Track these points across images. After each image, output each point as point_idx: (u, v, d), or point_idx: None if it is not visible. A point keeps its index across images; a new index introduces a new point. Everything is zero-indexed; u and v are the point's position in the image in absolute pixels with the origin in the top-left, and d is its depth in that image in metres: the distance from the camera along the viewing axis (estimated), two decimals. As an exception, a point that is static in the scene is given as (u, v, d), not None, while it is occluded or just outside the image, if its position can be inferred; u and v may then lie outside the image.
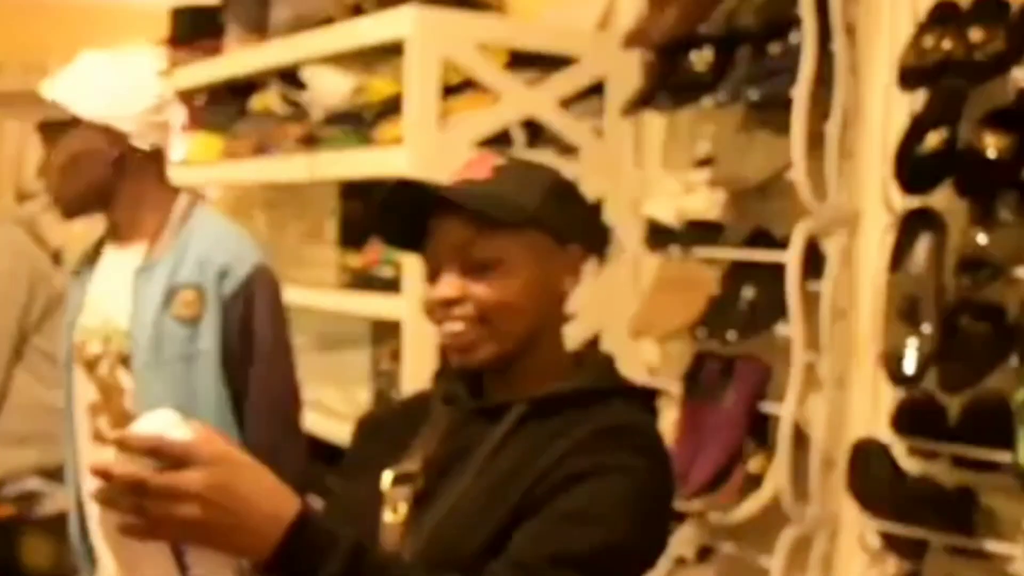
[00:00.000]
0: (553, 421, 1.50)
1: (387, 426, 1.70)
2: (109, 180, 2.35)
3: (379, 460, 1.57)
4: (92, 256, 2.48)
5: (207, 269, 2.29)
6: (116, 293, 2.36)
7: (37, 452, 2.94)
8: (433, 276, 1.53)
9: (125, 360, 2.32)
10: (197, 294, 2.28)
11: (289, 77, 3.50)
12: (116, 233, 2.43)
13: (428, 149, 2.90)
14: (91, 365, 2.38)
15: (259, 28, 3.69)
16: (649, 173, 3.14)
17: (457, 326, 1.50)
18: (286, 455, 2.22)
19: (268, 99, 3.58)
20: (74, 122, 2.30)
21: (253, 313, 2.31)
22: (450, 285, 1.50)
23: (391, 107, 3.04)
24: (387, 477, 1.55)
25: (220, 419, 2.26)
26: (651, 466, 1.47)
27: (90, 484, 2.05)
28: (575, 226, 1.58)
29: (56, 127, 2.33)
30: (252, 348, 2.31)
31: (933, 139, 2.40)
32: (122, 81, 2.35)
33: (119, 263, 2.39)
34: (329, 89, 3.25)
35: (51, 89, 2.32)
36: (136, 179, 2.37)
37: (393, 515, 1.52)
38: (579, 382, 1.55)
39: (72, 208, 2.40)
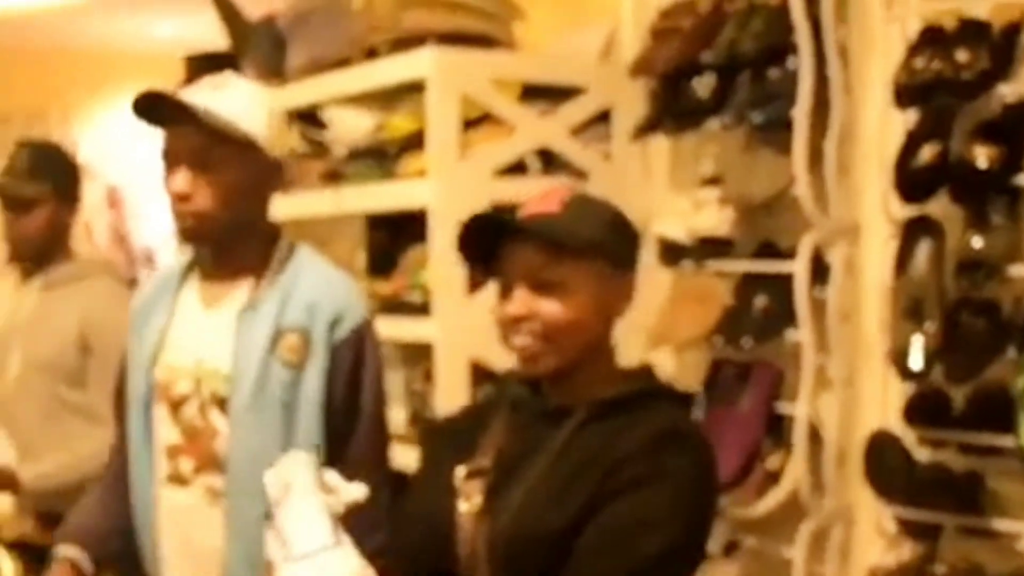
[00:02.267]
0: (611, 421, 1.69)
1: (453, 431, 1.92)
2: (256, 211, 2.22)
3: (450, 459, 1.77)
4: (163, 290, 2.31)
5: (317, 315, 2.16)
6: (211, 332, 2.20)
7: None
8: (505, 294, 1.73)
9: (220, 402, 2.16)
10: (303, 339, 2.15)
11: (307, 117, 3.66)
12: (212, 268, 2.25)
13: (451, 180, 3.08)
14: (177, 406, 2.21)
15: (275, 72, 3.86)
16: (656, 193, 3.33)
17: (525, 340, 1.70)
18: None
19: (289, 139, 3.74)
20: (248, 145, 2.13)
21: (363, 364, 2.20)
22: (520, 303, 1.70)
23: (412, 142, 3.21)
24: (460, 471, 1.74)
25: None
26: (701, 468, 1.67)
27: (165, 524, 2.21)
28: (629, 256, 1.79)
29: (225, 147, 2.12)
30: (358, 400, 2.20)
31: (927, 152, 2.61)
32: (275, 113, 2.24)
33: (214, 300, 2.23)
34: (351, 127, 3.42)
35: (219, 105, 2.11)
36: (266, 212, 2.25)
37: (467, 505, 1.71)
38: (630, 387, 1.75)
39: (210, 234, 2.17)
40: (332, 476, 1.67)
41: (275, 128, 2.21)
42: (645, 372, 1.82)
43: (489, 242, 1.75)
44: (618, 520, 1.59)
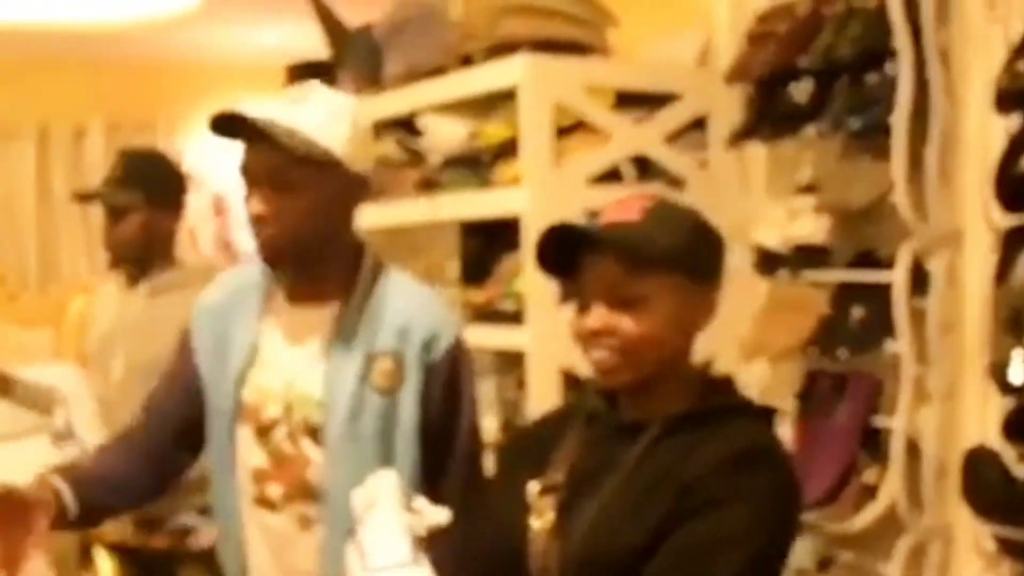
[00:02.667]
0: (687, 436, 1.65)
1: (529, 442, 1.88)
2: (339, 230, 2.12)
3: (524, 473, 1.74)
4: (245, 301, 2.22)
5: (410, 336, 2.08)
6: (301, 357, 2.12)
7: (199, 492, 3.07)
8: (583, 307, 1.69)
9: (311, 430, 2.08)
10: (396, 363, 2.08)
11: (403, 125, 3.68)
12: (298, 288, 2.16)
13: (545, 188, 3.06)
14: (265, 430, 2.14)
15: (373, 79, 3.88)
16: (754, 201, 3.28)
17: (602, 354, 1.67)
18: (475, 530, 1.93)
19: (385, 147, 3.76)
20: (328, 163, 2.03)
21: (458, 384, 2.13)
22: (598, 318, 1.66)
23: (506, 150, 3.21)
24: (533, 487, 1.71)
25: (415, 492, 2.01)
26: (780, 487, 1.62)
27: (254, 544, 2.16)
28: (714, 268, 1.73)
29: (303, 166, 2.02)
30: (455, 421, 2.13)
31: (1030, 159, 2.52)
32: (361, 125, 2.13)
33: (302, 323, 2.15)
34: (446, 135, 3.42)
35: (297, 120, 2.02)
36: (351, 231, 2.16)
37: (540, 521, 1.68)
38: (707, 402, 1.71)
39: (293, 255, 2.10)
40: (418, 499, 1.67)
41: (360, 140, 2.10)
42: (724, 386, 1.77)
43: (569, 252, 1.71)
44: (692, 541, 1.55)
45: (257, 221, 2.05)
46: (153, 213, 3.22)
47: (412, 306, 2.12)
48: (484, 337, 3.28)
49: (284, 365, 2.13)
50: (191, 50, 6.98)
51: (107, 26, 6.36)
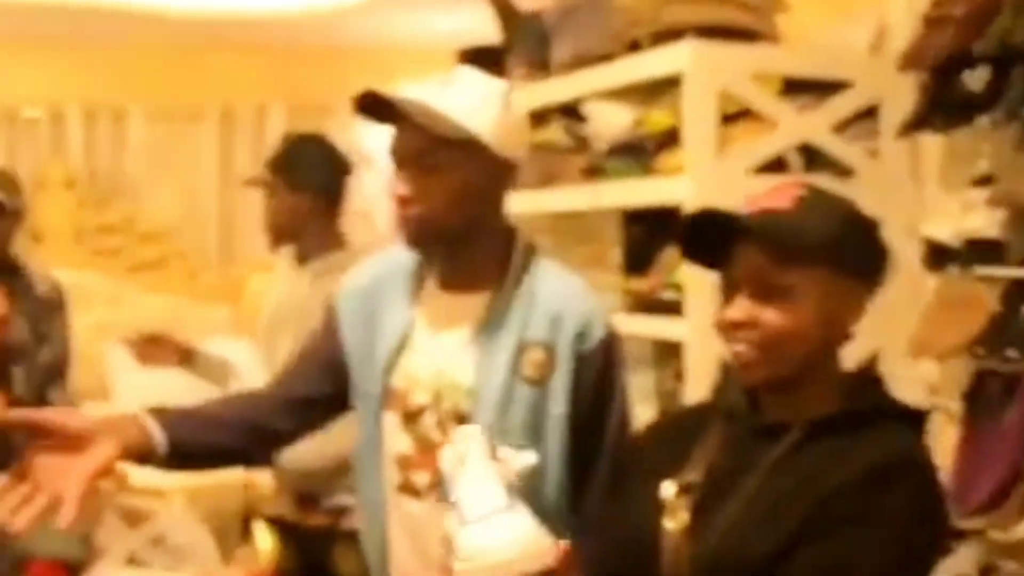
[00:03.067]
0: (828, 441, 1.59)
1: (669, 435, 1.83)
2: (486, 216, 2.11)
3: (661, 468, 1.70)
4: (396, 285, 2.22)
5: (561, 326, 2.06)
6: (451, 344, 2.11)
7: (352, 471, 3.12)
8: (727, 297, 1.64)
9: (460, 418, 2.04)
10: (547, 353, 2.06)
11: (570, 111, 3.67)
12: (449, 273, 2.16)
13: (708, 177, 3.02)
14: (412, 416, 2.13)
15: (541, 65, 3.88)
16: (926, 193, 3.17)
17: (741, 347, 1.62)
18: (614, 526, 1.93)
19: (551, 132, 3.76)
20: (472, 145, 2.03)
21: (610, 375, 2.09)
22: (740, 309, 1.61)
23: (670, 137, 3.17)
24: (669, 487, 1.67)
25: (561, 486, 2.07)
26: (921, 506, 1.55)
27: (397, 531, 2.15)
28: (866, 263, 1.66)
29: (442, 144, 2.02)
30: (606, 413, 2.09)
31: None
32: (512, 109, 2.11)
33: (453, 310, 2.14)
34: (610, 122, 3.40)
35: (443, 104, 2.02)
36: (501, 217, 2.15)
37: (674, 523, 1.65)
38: (852, 405, 1.64)
39: (436, 238, 2.10)
40: (505, 448, 1.67)
41: (511, 125, 2.08)
42: (873, 388, 1.69)
43: (718, 240, 1.66)
44: (824, 562, 1.50)
45: (401, 203, 2.06)
46: (289, 197, 3.29)
47: (565, 295, 2.09)
48: (643, 327, 3.26)
49: (434, 352, 2.12)
50: (369, 35, 7.07)
51: (291, 13, 6.49)
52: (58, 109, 7.29)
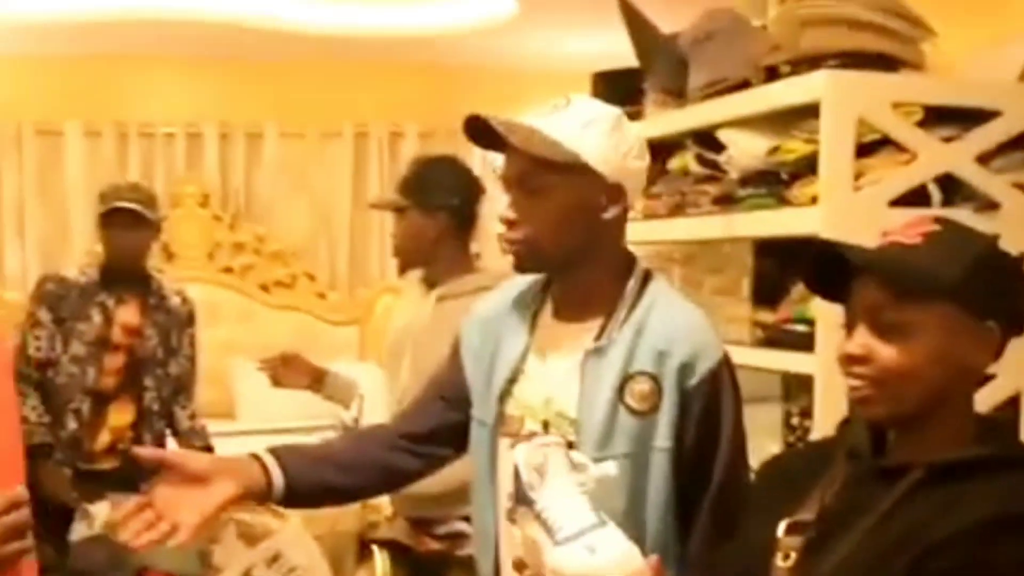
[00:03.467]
0: (949, 488, 1.52)
1: (789, 470, 1.78)
2: (593, 241, 2.10)
3: (778, 504, 1.65)
4: (518, 312, 2.24)
5: (667, 360, 2.04)
6: (561, 371, 2.12)
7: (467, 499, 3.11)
8: (848, 330, 1.60)
9: (569, 447, 1.94)
10: (653, 385, 2.04)
11: (705, 138, 3.61)
12: (564, 303, 2.18)
13: (843, 208, 2.93)
14: (517, 437, 2.13)
15: (677, 92, 3.82)
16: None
17: (857, 382, 1.57)
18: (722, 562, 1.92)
19: (685, 160, 3.70)
20: (576, 169, 2.05)
21: (718, 411, 2.07)
22: (858, 344, 1.56)
23: (806, 167, 3.08)
24: (783, 524, 1.62)
25: (664, 519, 2.07)
26: None
27: (505, 557, 2.14)
28: (999, 303, 1.58)
29: (546, 167, 2.05)
30: (714, 450, 2.07)
31: None
32: (625, 135, 2.12)
33: (565, 338, 2.15)
34: (745, 150, 3.33)
35: (550, 127, 2.06)
36: (613, 242, 2.15)
37: (784, 561, 1.60)
38: (979, 450, 1.56)
39: (540, 266, 2.16)
40: (578, 454, 1.70)
41: (619, 149, 2.09)
42: (1005, 433, 1.62)
43: (840, 272, 1.62)
44: None
45: (507, 225, 2.10)
46: (421, 219, 3.28)
47: (674, 327, 2.08)
48: (772, 360, 3.17)
49: (545, 380, 2.13)
50: (504, 56, 7.09)
51: (426, 33, 6.53)
52: (195, 127, 7.43)
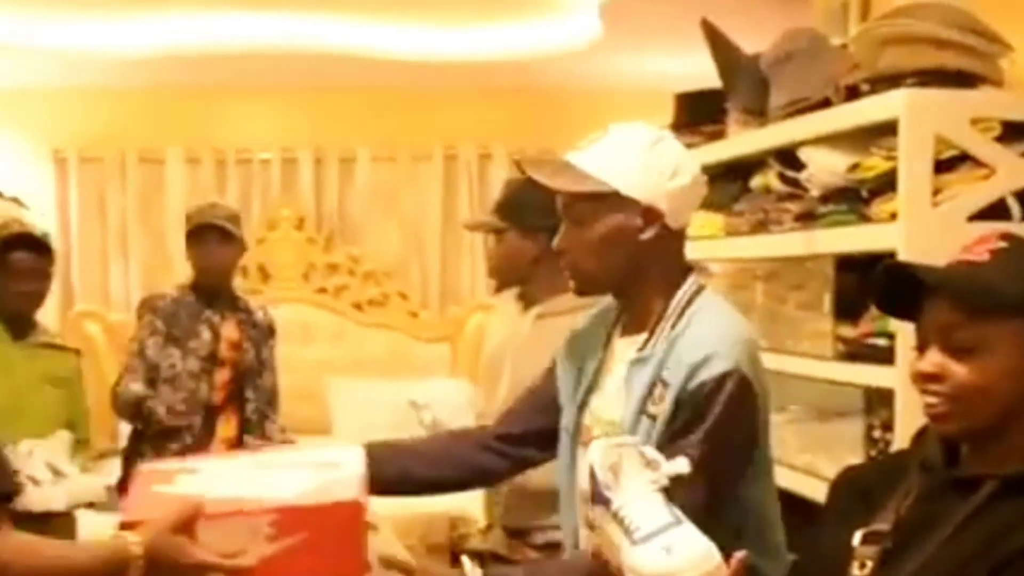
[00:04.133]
0: (1022, 500, 1.55)
1: (865, 482, 1.82)
2: (636, 262, 2.24)
3: (853, 514, 1.70)
4: (599, 329, 2.41)
5: (680, 366, 2.14)
6: (614, 384, 2.28)
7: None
8: (921, 348, 1.64)
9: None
10: (663, 390, 2.16)
11: (786, 156, 3.66)
12: (627, 319, 2.34)
13: (922, 224, 2.96)
14: (586, 442, 2.26)
15: (759, 111, 3.87)
16: None
17: (931, 399, 1.61)
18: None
19: (767, 178, 3.75)
20: (610, 197, 2.20)
21: (700, 418, 2.11)
22: (931, 362, 1.60)
23: (886, 183, 3.13)
24: (859, 534, 1.66)
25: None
26: None
27: None
28: None
29: (584, 199, 2.24)
30: (686, 441, 2.09)
31: None
32: (661, 156, 2.25)
33: (622, 352, 2.30)
34: (826, 167, 3.37)
35: (584, 160, 2.23)
36: (659, 261, 2.27)
37: (860, 571, 1.64)
38: None
39: (590, 288, 2.34)
40: (650, 450, 1.72)
41: (657, 172, 2.22)
42: None
43: (910, 291, 1.66)
44: None
45: (559, 254, 2.31)
46: (520, 240, 3.34)
47: (700, 335, 2.18)
48: (854, 374, 3.22)
49: (608, 391, 2.30)
50: (589, 78, 7.16)
51: (514, 57, 6.63)
52: (290, 152, 7.60)
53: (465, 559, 3.48)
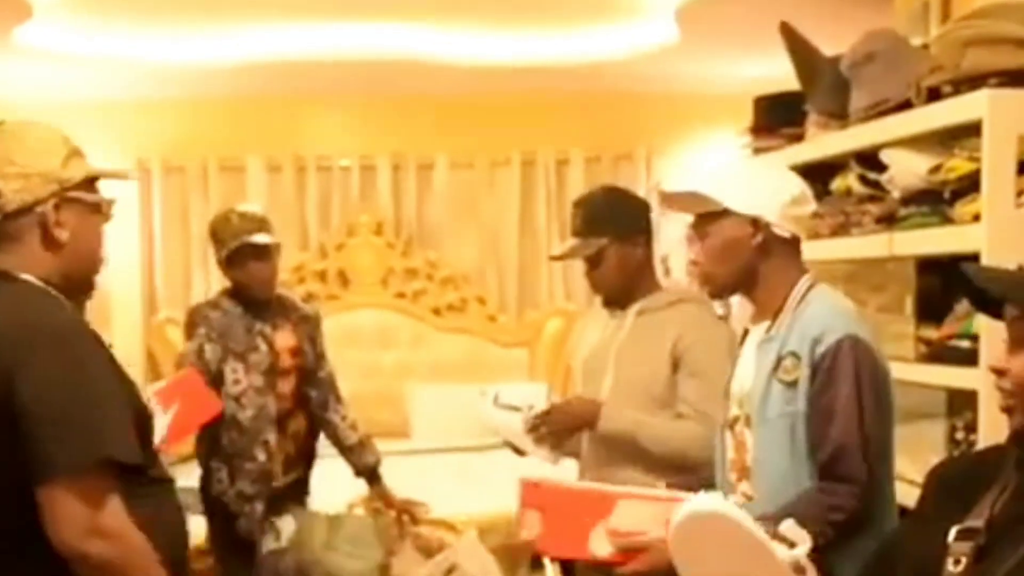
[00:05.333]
0: None
1: (956, 478, 1.83)
2: (752, 264, 2.71)
3: (947, 510, 1.71)
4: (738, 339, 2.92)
5: (805, 338, 2.59)
6: (747, 363, 2.75)
7: None
8: (1010, 345, 1.66)
9: (748, 420, 2.70)
10: (796, 361, 2.59)
11: (866, 158, 3.65)
12: (755, 311, 2.79)
13: (1006, 225, 2.95)
14: (730, 425, 2.80)
15: (839, 113, 3.87)
16: None
17: (999, 393, 1.63)
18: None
19: (847, 180, 3.74)
20: (724, 214, 2.69)
21: (837, 376, 2.54)
22: (997, 357, 1.63)
23: (968, 185, 3.11)
24: (953, 530, 1.67)
25: (808, 471, 2.57)
26: None
27: None
28: None
29: (706, 217, 2.72)
30: (829, 407, 2.54)
31: None
32: (766, 179, 2.84)
33: (753, 337, 2.77)
34: (908, 169, 3.36)
35: (703, 186, 2.72)
36: (774, 262, 2.73)
37: (954, 567, 1.65)
38: None
39: (721, 290, 2.83)
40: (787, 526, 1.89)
41: (758, 188, 2.74)
42: None
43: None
44: None
45: (694, 266, 2.80)
46: (624, 249, 3.40)
47: (817, 314, 2.63)
48: (936, 376, 3.21)
49: (742, 372, 2.78)
50: (667, 82, 7.17)
51: (591, 62, 6.65)
52: (369, 159, 7.68)
53: (547, 561, 3.53)
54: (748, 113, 4.64)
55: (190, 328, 4.14)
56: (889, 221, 3.50)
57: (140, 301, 7.52)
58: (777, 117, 4.35)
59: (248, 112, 7.54)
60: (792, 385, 2.59)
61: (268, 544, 3.94)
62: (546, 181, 7.74)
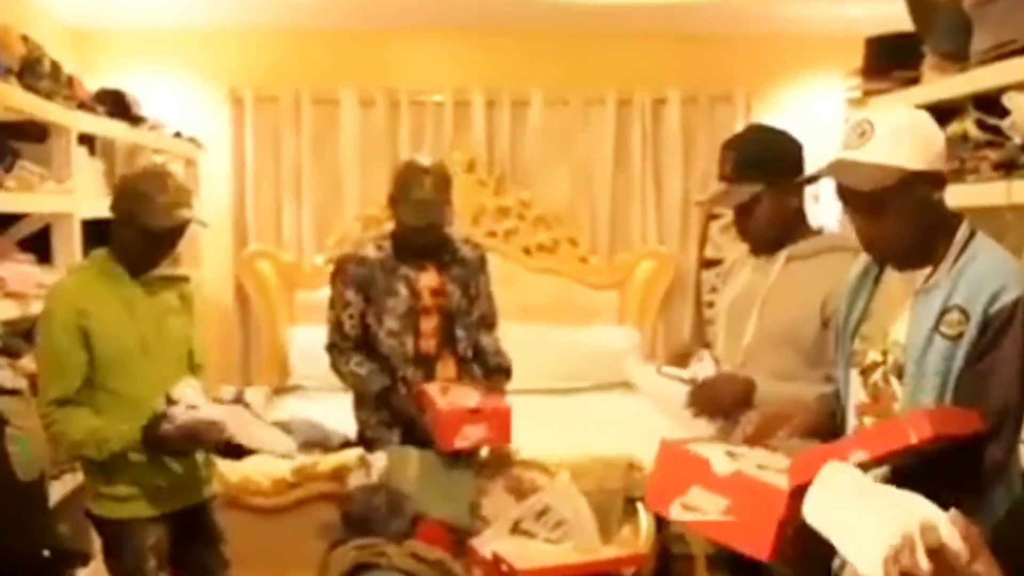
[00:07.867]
0: None
1: None
2: (932, 222, 2.53)
3: None
4: (871, 270, 2.70)
5: (978, 293, 2.44)
6: (897, 311, 2.58)
7: None
8: None
9: (899, 370, 2.54)
10: (962, 315, 2.45)
11: (985, 102, 3.51)
12: (902, 261, 2.59)
13: None
14: (866, 371, 2.64)
15: (958, 55, 3.73)
16: None
17: None
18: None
19: (964, 125, 3.61)
20: (905, 178, 2.44)
21: (1003, 336, 2.42)
22: None
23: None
24: None
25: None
26: None
27: None
28: None
29: (886, 191, 2.46)
30: (989, 368, 2.44)
31: None
32: (924, 123, 2.52)
33: (903, 285, 2.59)
34: (1029, 114, 3.24)
35: (869, 156, 2.45)
36: (939, 212, 2.56)
37: None
38: None
39: (910, 259, 2.56)
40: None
41: (926, 137, 2.50)
42: None
43: None
44: None
45: (862, 239, 2.59)
46: (778, 196, 3.25)
47: (988, 266, 2.49)
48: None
49: (885, 319, 2.62)
50: (767, 22, 7.01)
51: (690, 1, 6.51)
52: (463, 95, 7.59)
53: (640, 505, 3.47)
54: (849, 55, 4.51)
55: (334, 276, 4.28)
56: (1008, 168, 3.38)
57: (231, 233, 7.51)
58: (890, 59, 4.22)
59: (342, 44, 7.47)
60: (955, 340, 2.45)
61: (358, 478, 3.93)
62: (641, 121, 7.61)
